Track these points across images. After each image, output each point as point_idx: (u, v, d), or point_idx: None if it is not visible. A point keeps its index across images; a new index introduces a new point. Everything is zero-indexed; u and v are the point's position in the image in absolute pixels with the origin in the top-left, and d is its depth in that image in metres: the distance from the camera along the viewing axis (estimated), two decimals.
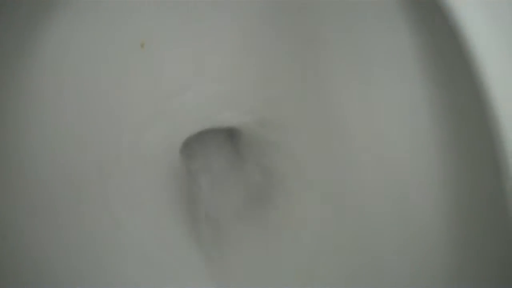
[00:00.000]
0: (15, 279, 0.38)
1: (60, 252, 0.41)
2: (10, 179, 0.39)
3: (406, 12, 0.36)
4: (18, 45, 0.37)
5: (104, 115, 0.45)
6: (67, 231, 0.42)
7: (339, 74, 0.43)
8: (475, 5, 0.32)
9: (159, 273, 0.47)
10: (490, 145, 0.31)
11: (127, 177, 0.48)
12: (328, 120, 0.46)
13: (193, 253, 0.50)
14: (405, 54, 0.37)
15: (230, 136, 0.57)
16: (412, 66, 0.37)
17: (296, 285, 0.46)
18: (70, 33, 0.39)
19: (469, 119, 0.34)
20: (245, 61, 0.48)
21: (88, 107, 0.43)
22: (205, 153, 0.57)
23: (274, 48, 0.46)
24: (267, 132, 0.52)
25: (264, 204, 0.53)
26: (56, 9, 0.38)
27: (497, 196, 0.31)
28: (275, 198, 0.52)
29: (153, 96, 0.47)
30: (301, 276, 0.47)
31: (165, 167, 0.51)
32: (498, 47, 0.31)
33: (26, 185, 0.40)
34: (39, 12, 0.37)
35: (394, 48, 0.38)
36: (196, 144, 0.57)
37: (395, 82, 0.39)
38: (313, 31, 0.43)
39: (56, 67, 0.40)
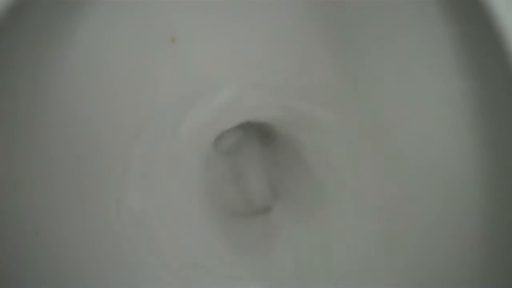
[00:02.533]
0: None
1: (84, 244, 0.42)
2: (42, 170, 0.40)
3: (442, 8, 0.35)
4: (54, 38, 0.38)
5: (137, 107, 0.45)
6: (93, 221, 0.42)
7: (380, 72, 0.42)
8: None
9: (190, 269, 0.48)
10: None
11: (160, 172, 0.48)
12: (370, 122, 0.45)
13: (224, 249, 0.50)
14: (443, 49, 0.36)
15: (264, 133, 0.57)
16: (450, 62, 0.36)
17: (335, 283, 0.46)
18: (103, 27, 0.40)
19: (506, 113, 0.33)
20: (280, 56, 0.47)
21: (120, 101, 0.44)
22: (238, 150, 0.57)
23: (312, 44, 0.45)
24: (301, 131, 0.52)
25: (297, 206, 0.53)
26: (91, 2, 0.39)
27: None
28: (310, 204, 0.52)
29: (186, 90, 0.47)
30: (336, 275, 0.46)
31: (197, 161, 0.52)
32: None
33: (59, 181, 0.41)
34: (74, 6, 0.38)
35: (432, 44, 0.37)
36: (229, 140, 0.57)
37: (435, 79, 0.38)
38: (352, 28, 0.43)
39: (89, 60, 0.41)
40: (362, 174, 0.46)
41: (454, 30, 0.35)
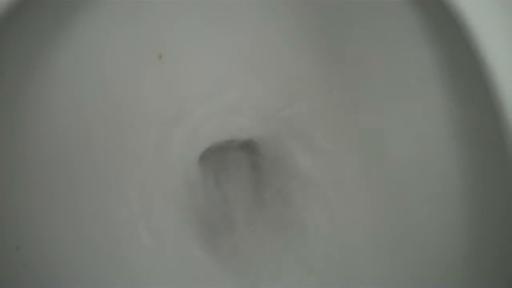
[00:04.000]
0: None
1: (71, 251, 0.42)
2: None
3: (423, 27, 0.36)
4: (44, 47, 0.39)
5: (120, 122, 0.45)
6: (77, 231, 0.42)
7: (368, 92, 0.43)
8: (492, 20, 0.32)
9: (172, 281, 0.47)
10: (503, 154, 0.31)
11: (143, 185, 0.48)
12: (360, 142, 0.46)
13: (208, 263, 0.50)
14: (425, 68, 0.37)
15: (249, 149, 0.57)
16: (432, 80, 0.37)
17: None
18: (90, 39, 0.41)
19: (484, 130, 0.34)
20: (266, 77, 0.48)
21: (105, 112, 0.44)
22: (223, 165, 0.57)
23: (298, 60, 0.46)
24: (285, 150, 0.52)
25: (281, 225, 0.53)
26: (81, 13, 0.39)
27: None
28: (292, 221, 0.52)
29: (171, 105, 0.48)
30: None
31: (181, 176, 0.52)
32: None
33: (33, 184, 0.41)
34: (65, 15, 0.39)
35: (416, 64, 0.38)
36: (214, 156, 0.57)
37: (416, 97, 0.39)
38: (339, 46, 0.44)
39: (75, 70, 0.41)
40: (345, 202, 0.47)
41: (435, 54, 0.36)
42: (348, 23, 0.41)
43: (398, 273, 0.41)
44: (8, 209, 0.39)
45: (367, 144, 0.45)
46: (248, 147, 0.57)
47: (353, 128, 0.45)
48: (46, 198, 0.41)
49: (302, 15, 0.43)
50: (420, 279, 0.40)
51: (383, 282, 0.42)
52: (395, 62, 0.39)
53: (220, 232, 0.54)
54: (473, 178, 0.36)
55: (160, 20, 0.42)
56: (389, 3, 0.37)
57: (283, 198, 0.54)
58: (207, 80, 0.47)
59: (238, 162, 0.58)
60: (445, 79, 0.36)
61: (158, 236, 0.48)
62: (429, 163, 0.39)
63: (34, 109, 0.39)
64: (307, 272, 0.48)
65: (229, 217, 0.55)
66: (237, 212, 0.56)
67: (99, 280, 0.43)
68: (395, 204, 0.42)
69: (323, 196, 0.49)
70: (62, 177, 0.42)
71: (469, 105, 0.35)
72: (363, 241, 0.45)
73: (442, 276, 0.38)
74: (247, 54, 0.46)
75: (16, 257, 0.39)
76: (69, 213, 0.42)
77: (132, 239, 0.47)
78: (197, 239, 0.51)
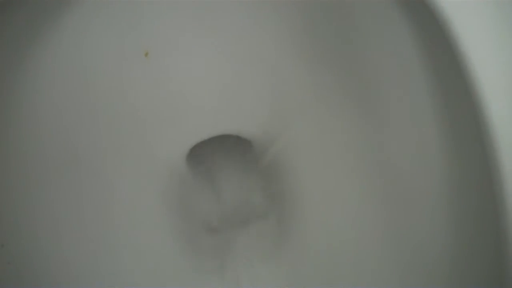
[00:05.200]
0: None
1: (58, 245, 0.42)
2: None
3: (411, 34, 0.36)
4: (29, 45, 0.39)
5: (108, 117, 0.45)
6: (65, 224, 0.42)
7: (351, 99, 0.43)
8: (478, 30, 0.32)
9: (154, 278, 0.48)
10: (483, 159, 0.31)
11: (129, 178, 0.48)
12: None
13: (189, 263, 0.50)
14: (411, 74, 0.38)
15: (238, 145, 0.57)
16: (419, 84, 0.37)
17: None
18: (78, 37, 0.40)
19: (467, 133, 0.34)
20: (253, 71, 0.48)
21: (93, 108, 0.44)
22: (212, 161, 0.57)
23: (284, 60, 0.46)
24: (274, 147, 0.52)
25: (266, 218, 0.53)
26: (66, 11, 0.39)
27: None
28: (277, 215, 0.52)
29: (157, 102, 0.47)
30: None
31: (169, 171, 0.52)
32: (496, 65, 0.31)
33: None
34: (49, 13, 0.39)
35: (401, 66, 0.38)
36: (203, 151, 0.57)
37: (403, 102, 0.39)
38: (324, 51, 0.44)
39: (64, 67, 0.41)
40: (341, 205, 0.47)
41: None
42: (338, 24, 0.41)
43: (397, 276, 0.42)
44: None
45: (366, 147, 0.45)
46: (238, 145, 0.57)
47: (346, 131, 0.46)
48: (32, 196, 0.41)
49: (288, 15, 0.43)
50: (418, 279, 0.40)
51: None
52: (389, 64, 0.40)
53: (202, 232, 0.54)
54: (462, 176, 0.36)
55: (146, 18, 0.42)
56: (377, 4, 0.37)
57: (273, 199, 0.54)
58: (193, 78, 0.47)
59: (226, 158, 0.58)
60: (436, 81, 0.36)
61: (138, 228, 0.48)
62: (428, 168, 0.39)
63: (18, 107, 0.39)
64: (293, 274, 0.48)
65: (216, 215, 0.55)
66: (225, 209, 0.56)
67: (86, 278, 0.43)
68: (395, 209, 0.42)
69: (315, 199, 0.49)
70: (48, 175, 0.42)
71: (456, 108, 0.35)
72: (353, 246, 0.46)
73: (440, 276, 0.38)
74: (234, 52, 0.46)
75: (0, 255, 0.39)
76: (55, 210, 0.42)
77: (123, 238, 0.47)
78: (177, 234, 0.51)
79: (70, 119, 0.43)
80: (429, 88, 0.36)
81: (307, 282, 0.47)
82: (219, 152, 0.58)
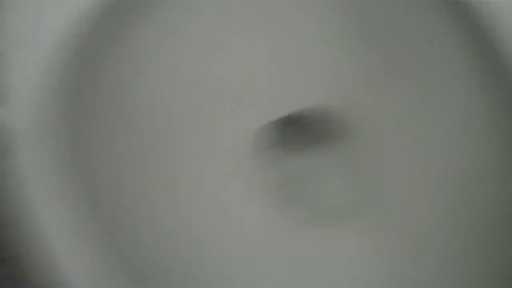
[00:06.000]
0: None
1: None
2: None
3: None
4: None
5: (181, 105, 0.50)
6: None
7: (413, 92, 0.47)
8: None
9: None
10: None
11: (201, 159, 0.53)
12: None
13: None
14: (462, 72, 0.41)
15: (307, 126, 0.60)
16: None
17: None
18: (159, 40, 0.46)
19: None
20: (322, 57, 0.51)
21: (164, 99, 0.48)
22: (281, 140, 0.60)
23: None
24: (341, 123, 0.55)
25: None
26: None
27: None
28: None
29: (234, 87, 0.51)
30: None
31: (240, 152, 0.55)
32: None
33: None
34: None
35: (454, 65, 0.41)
36: (272, 133, 0.59)
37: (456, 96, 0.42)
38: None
39: (142, 65, 0.46)
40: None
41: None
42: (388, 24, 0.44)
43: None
44: None
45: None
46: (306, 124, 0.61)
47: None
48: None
49: (342, 15, 0.46)
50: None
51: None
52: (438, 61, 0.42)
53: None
54: None
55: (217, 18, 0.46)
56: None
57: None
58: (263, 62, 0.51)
59: (294, 137, 0.61)
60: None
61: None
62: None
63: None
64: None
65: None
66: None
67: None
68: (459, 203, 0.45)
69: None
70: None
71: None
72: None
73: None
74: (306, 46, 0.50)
75: None
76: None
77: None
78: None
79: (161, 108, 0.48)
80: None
81: None
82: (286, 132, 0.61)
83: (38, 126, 0.41)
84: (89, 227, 0.42)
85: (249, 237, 0.51)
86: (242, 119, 0.53)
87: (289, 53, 0.50)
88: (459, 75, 0.41)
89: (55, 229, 0.41)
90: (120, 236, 0.44)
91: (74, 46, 0.41)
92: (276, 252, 0.51)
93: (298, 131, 0.60)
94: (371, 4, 0.45)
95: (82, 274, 0.41)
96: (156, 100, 0.48)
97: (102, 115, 0.45)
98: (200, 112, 0.51)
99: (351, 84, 0.51)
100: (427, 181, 0.47)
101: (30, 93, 0.41)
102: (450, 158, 0.45)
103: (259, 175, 0.55)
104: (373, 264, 0.49)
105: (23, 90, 0.41)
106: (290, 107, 0.55)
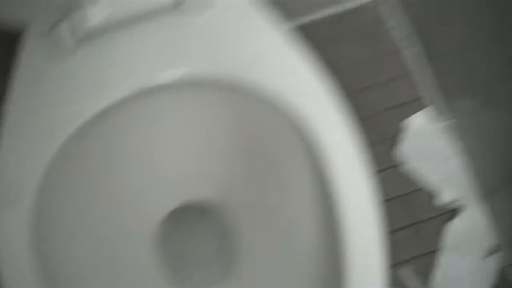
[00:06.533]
0: None
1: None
2: None
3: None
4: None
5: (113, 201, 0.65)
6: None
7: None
8: None
9: None
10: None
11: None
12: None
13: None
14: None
15: (202, 214, 0.75)
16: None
17: None
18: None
19: None
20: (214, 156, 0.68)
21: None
22: (180, 226, 0.74)
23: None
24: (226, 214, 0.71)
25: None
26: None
27: None
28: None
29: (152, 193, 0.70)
30: None
31: (146, 236, 0.69)
32: None
33: None
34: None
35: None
36: (173, 220, 0.73)
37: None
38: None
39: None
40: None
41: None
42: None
43: None
44: None
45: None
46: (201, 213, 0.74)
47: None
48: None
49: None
50: None
51: None
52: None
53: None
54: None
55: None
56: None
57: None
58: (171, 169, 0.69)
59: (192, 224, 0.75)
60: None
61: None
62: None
63: None
64: None
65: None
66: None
67: None
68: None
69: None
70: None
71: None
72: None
73: None
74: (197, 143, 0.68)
75: None
76: None
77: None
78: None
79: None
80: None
81: None
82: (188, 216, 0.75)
83: None
84: None
85: None
86: (147, 207, 0.69)
87: (195, 149, 0.68)
88: (303, 178, 0.58)
89: None
90: None
91: None
92: None
93: (193, 218, 0.75)
94: (251, 121, 0.62)
95: None
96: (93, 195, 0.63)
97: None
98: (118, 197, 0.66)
99: (237, 180, 0.68)
100: (279, 252, 0.64)
101: None
102: (295, 235, 0.62)
103: (156, 253, 0.70)
104: None
105: None
106: (188, 196, 0.72)
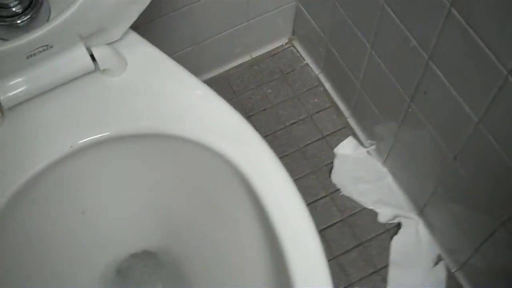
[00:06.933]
0: None
1: None
2: None
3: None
4: None
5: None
6: None
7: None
8: None
9: None
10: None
11: None
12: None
13: None
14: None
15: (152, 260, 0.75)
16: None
17: None
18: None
19: None
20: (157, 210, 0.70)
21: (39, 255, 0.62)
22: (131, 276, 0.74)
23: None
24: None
25: None
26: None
27: None
28: None
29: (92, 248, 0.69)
30: None
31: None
32: None
33: None
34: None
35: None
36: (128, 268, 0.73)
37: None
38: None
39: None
40: None
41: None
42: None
43: None
44: None
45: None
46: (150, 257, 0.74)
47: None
48: None
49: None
50: None
51: None
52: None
53: None
54: None
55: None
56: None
57: None
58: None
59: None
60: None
61: None
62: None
63: None
64: None
65: None
66: None
67: None
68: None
69: None
70: None
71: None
72: None
73: None
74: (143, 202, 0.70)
75: None
76: None
77: None
78: None
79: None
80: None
81: None
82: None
83: None
84: None
85: None
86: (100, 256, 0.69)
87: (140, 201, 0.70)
88: (245, 217, 0.60)
89: None
90: None
91: None
92: None
93: (144, 265, 0.75)
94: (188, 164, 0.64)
95: None
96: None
97: None
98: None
99: (180, 223, 0.70)
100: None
101: None
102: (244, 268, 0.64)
103: None
104: None
105: None
106: (134, 246, 0.73)
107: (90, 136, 0.58)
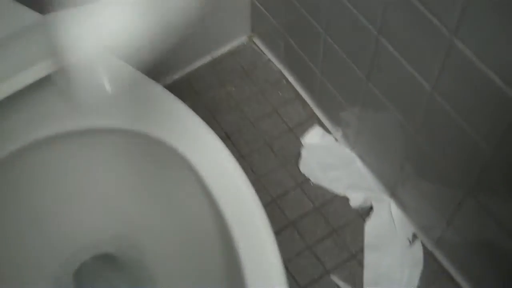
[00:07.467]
0: None
1: None
2: None
3: None
4: None
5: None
6: None
7: None
8: None
9: None
10: None
11: None
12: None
13: None
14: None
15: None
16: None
17: None
18: None
19: None
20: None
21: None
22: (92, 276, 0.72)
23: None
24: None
25: None
26: None
27: None
28: None
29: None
30: None
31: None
32: None
33: None
34: None
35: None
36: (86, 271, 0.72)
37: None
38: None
39: None
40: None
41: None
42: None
43: None
44: None
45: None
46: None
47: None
48: None
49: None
50: None
51: None
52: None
53: None
54: None
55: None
56: None
57: None
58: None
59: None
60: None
61: None
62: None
63: None
64: None
65: None
66: None
67: None
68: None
69: None
70: None
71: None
72: None
73: None
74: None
75: None
76: None
77: None
78: None
79: None
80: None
81: None
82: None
83: None
84: None
85: None
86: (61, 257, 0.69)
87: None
88: (202, 216, 0.59)
89: None
90: None
91: None
92: None
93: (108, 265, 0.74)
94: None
95: None
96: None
97: None
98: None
99: (137, 225, 0.70)
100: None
101: None
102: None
103: None
104: None
105: None
106: (94, 248, 0.72)
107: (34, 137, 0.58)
